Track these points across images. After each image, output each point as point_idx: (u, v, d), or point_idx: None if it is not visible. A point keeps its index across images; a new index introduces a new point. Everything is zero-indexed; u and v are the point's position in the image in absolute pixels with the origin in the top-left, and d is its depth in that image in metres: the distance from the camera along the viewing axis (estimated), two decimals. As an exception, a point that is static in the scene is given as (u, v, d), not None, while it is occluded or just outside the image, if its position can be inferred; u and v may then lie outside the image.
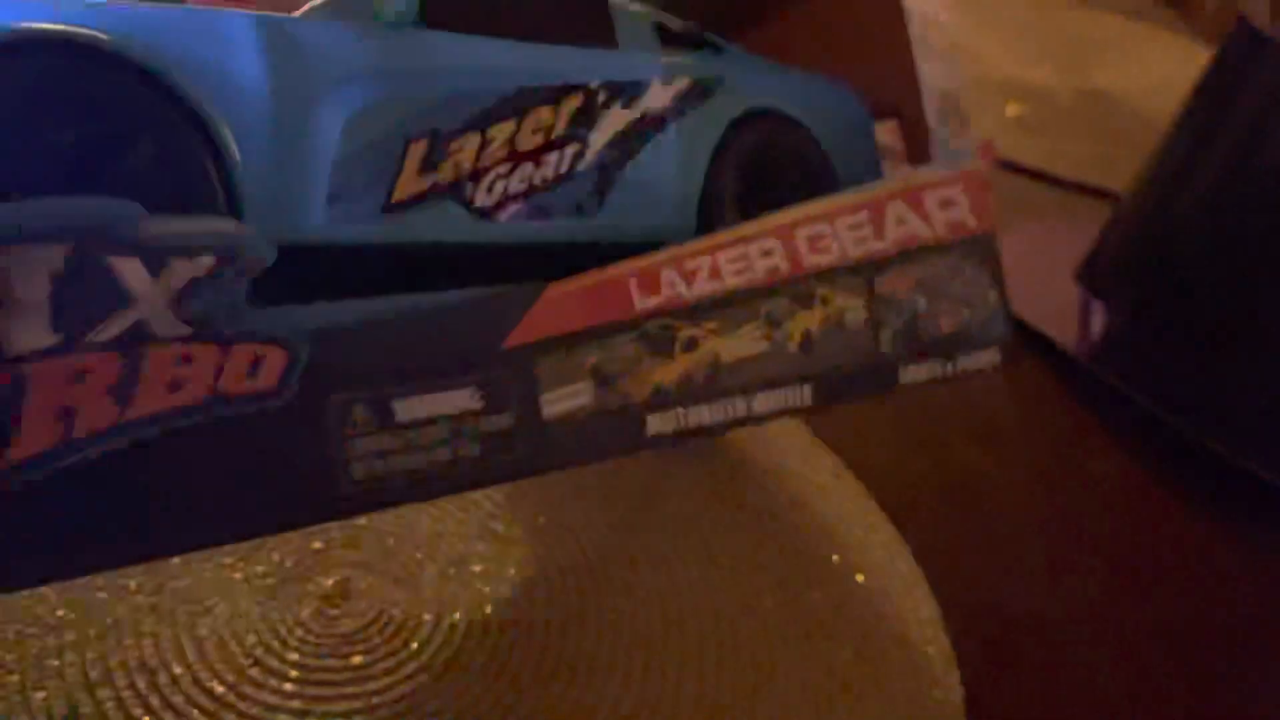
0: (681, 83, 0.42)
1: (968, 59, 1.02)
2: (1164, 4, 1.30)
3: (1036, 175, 0.86)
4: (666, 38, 0.44)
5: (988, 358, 0.45)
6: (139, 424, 0.23)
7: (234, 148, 0.29)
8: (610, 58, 0.41)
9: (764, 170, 0.45)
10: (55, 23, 0.26)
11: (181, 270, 0.24)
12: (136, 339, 0.23)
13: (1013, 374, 0.43)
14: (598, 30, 0.41)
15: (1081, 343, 0.66)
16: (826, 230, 0.41)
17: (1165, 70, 1.07)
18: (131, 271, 0.24)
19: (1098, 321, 0.68)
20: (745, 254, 0.39)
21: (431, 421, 0.29)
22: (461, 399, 0.30)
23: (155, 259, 0.24)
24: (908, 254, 0.43)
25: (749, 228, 0.39)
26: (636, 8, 0.43)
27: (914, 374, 0.44)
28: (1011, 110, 0.95)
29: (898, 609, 0.46)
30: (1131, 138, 0.95)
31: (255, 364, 0.25)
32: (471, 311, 0.31)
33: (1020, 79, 1.01)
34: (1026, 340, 0.51)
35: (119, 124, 0.27)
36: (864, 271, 0.42)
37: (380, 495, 0.28)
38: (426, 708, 0.37)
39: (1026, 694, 0.44)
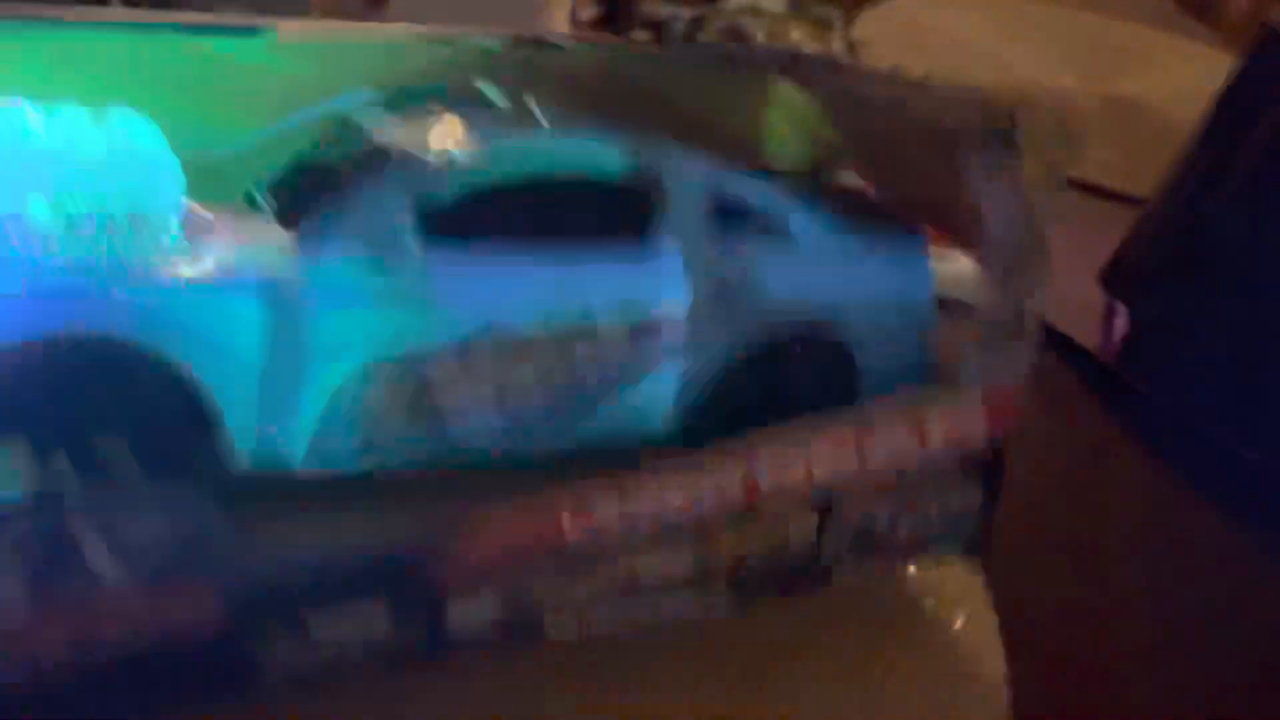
0: (701, 299, 0.40)
1: (995, 65, 1.03)
2: (1188, 13, 1.30)
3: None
4: (722, 215, 0.40)
5: (942, 556, 0.45)
6: (85, 655, 0.30)
7: (225, 423, 0.34)
8: (628, 278, 0.39)
9: (768, 383, 0.42)
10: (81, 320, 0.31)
11: (136, 534, 0.30)
12: (90, 589, 0.30)
13: (1036, 373, 0.43)
14: (629, 243, 0.39)
15: (1105, 345, 0.67)
16: (796, 459, 0.39)
17: (1190, 78, 1.07)
18: (89, 540, 0.30)
19: (1121, 324, 0.68)
20: (696, 482, 0.38)
21: (341, 637, 0.34)
22: (373, 619, 0.34)
23: (113, 529, 0.30)
24: (888, 474, 0.41)
25: (707, 456, 0.38)
26: (696, 176, 0.40)
27: (850, 571, 0.43)
28: (1036, 116, 0.95)
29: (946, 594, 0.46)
30: (1155, 144, 0.95)
31: (194, 605, 0.31)
32: (394, 546, 0.35)
33: (1043, 85, 1.01)
34: (1050, 342, 0.52)
35: (129, 402, 0.32)
36: (828, 494, 0.40)
37: (291, 684, 0.34)
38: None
39: (1054, 689, 0.45)
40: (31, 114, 0.35)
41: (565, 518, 0.36)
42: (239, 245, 0.34)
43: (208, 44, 0.41)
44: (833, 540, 0.41)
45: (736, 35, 0.93)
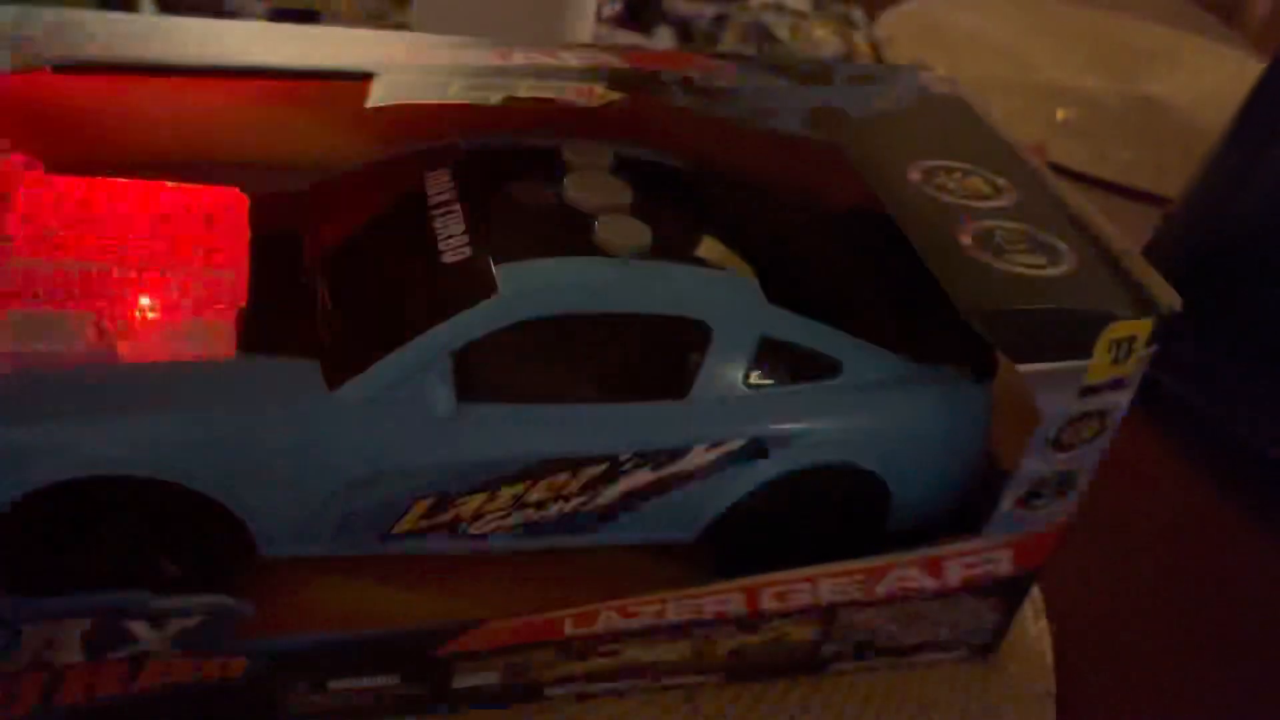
0: (732, 445, 0.39)
1: (1019, 64, 1.02)
2: (1214, 15, 1.29)
3: (1082, 179, 0.86)
4: (776, 361, 0.39)
5: (946, 657, 0.44)
6: (136, 692, 0.35)
7: (255, 530, 0.37)
8: (660, 421, 0.38)
9: (792, 514, 0.42)
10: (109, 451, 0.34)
11: (178, 624, 0.34)
12: (139, 656, 0.34)
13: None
14: (670, 384, 0.39)
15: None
16: (804, 589, 0.40)
17: (1215, 79, 1.07)
18: (139, 626, 0.34)
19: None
20: (698, 604, 0.39)
21: (355, 689, 0.38)
22: (385, 681, 0.38)
23: (158, 620, 0.34)
24: (896, 600, 0.41)
25: (712, 585, 0.39)
26: (746, 317, 0.39)
27: (849, 668, 0.43)
28: (1060, 115, 0.95)
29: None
30: (1180, 144, 0.95)
31: (225, 666, 0.35)
32: (409, 636, 0.37)
33: (1070, 85, 1.01)
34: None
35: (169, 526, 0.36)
36: (831, 610, 0.41)
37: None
38: None
39: (1086, 688, 0.45)
40: None
41: (568, 622, 0.38)
42: (271, 366, 0.36)
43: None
44: (833, 643, 0.42)
45: (760, 33, 0.93)
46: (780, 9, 0.94)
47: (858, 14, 0.98)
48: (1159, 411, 0.62)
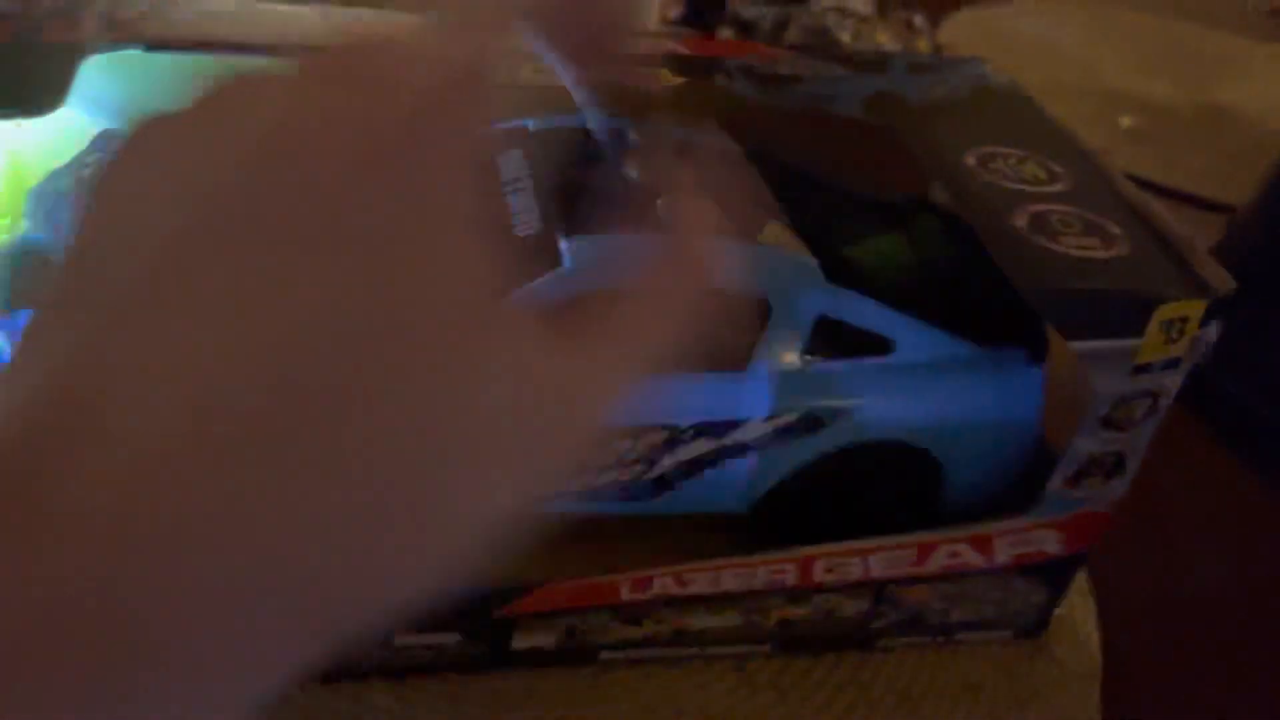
0: (788, 417, 0.41)
1: (1084, 71, 1.02)
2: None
3: (1148, 186, 0.86)
4: (830, 339, 0.40)
5: (992, 636, 0.45)
6: None
7: None
8: (719, 393, 0.40)
9: (846, 483, 0.43)
10: None
11: None
12: None
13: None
14: (730, 356, 0.40)
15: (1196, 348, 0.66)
16: (855, 561, 0.41)
17: (1288, 89, 1.05)
18: None
19: (1213, 329, 0.67)
20: (752, 572, 0.40)
21: (417, 646, 0.39)
22: (445, 638, 0.39)
23: None
24: (945, 577, 0.42)
25: (766, 554, 0.40)
26: (804, 294, 0.40)
27: (899, 643, 0.44)
28: (1125, 122, 0.94)
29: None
30: (1250, 153, 0.94)
31: None
32: (472, 596, 0.38)
33: (1136, 92, 1.00)
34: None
35: None
36: (880, 584, 0.41)
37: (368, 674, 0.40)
38: None
39: (1131, 673, 0.46)
40: None
41: (624, 587, 0.39)
42: None
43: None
44: (882, 618, 0.43)
45: (822, 35, 0.94)
46: (843, 12, 0.95)
47: (920, 19, 0.99)
48: (1211, 406, 0.62)
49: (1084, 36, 1.09)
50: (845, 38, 0.94)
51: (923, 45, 0.96)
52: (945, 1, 1.07)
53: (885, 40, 0.96)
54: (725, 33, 0.90)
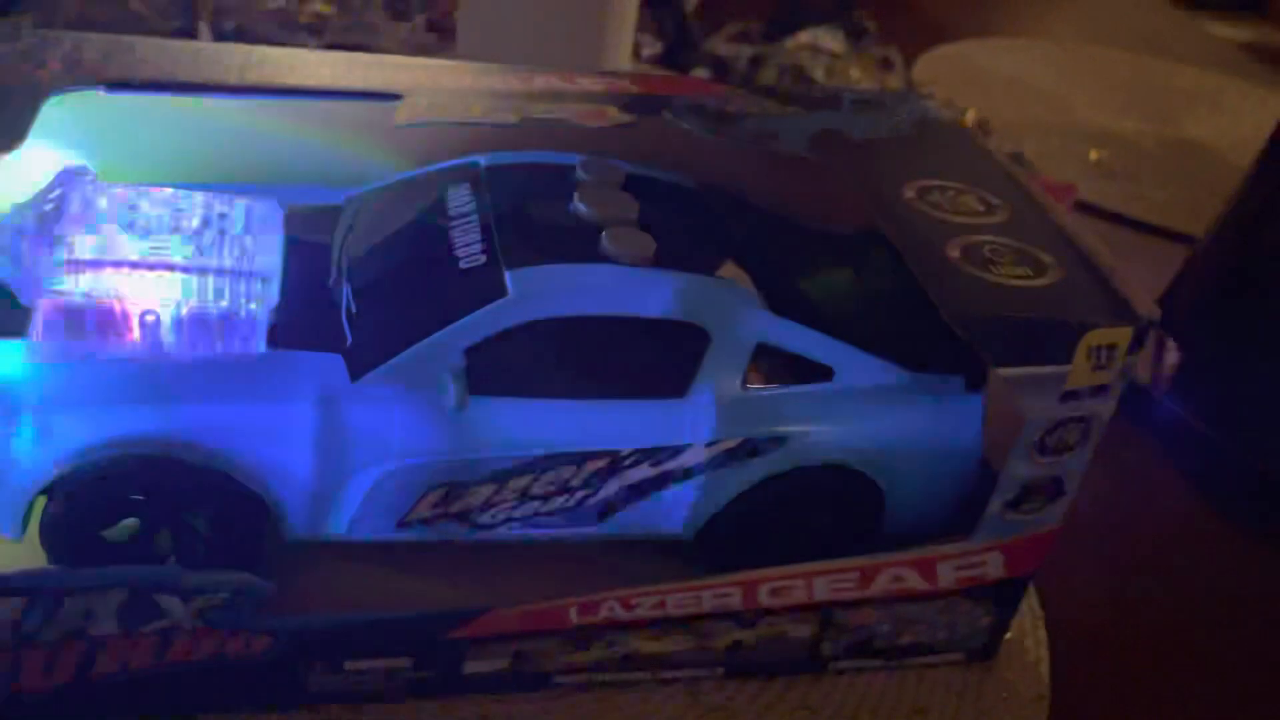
0: (729, 442, 0.41)
1: (1055, 106, 1.04)
2: (1257, 59, 1.29)
3: (1115, 218, 0.87)
4: (773, 365, 0.41)
5: (943, 659, 0.45)
6: (166, 665, 0.38)
7: (278, 512, 0.39)
8: (660, 418, 0.41)
9: (786, 507, 0.43)
10: (150, 434, 0.37)
11: (205, 601, 0.37)
12: (169, 631, 0.37)
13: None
14: (670, 384, 0.41)
15: (1155, 377, 0.67)
16: (799, 584, 0.41)
17: (1256, 122, 1.07)
18: (170, 601, 0.36)
19: (1171, 357, 0.68)
20: (697, 596, 0.41)
21: (370, 671, 0.40)
22: (396, 663, 0.40)
23: (187, 595, 0.36)
24: (890, 600, 0.42)
25: (710, 579, 0.40)
26: (745, 322, 0.41)
27: (848, 667, 0.45)
28: (1094, 155, 0.96)
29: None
30: (1217, 186, 0.95)
31: (248, 644, 0.38)
32: (422, 620, 0.39)
33: (1107, 127, 1.02)
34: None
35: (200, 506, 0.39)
36: (827, 609, 0.42)
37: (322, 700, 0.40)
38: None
39: (1080, 695, 0.46)
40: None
41: (572, 611, 0.40)
42: (299, 358, 0.39)
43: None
44: (831, 642, 0.44)
45: (797, 73, 0.95)
46: (817, 50, 0.97)
47: (895, 54, 1.01)
48: (1165, 433, 0.63)
49: (1056, 73, 1.11)
50: (819, 75, 0.96)
51: (895, 83, 0.98)
52: (919, 38, 1.09)
53: (859, 77, 0.97)
54: (700, 72, 0.92)
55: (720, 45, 0.96)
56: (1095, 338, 0.37)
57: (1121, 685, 0.47)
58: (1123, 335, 0.37)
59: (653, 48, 0.93)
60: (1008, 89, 1.06)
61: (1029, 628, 0.48)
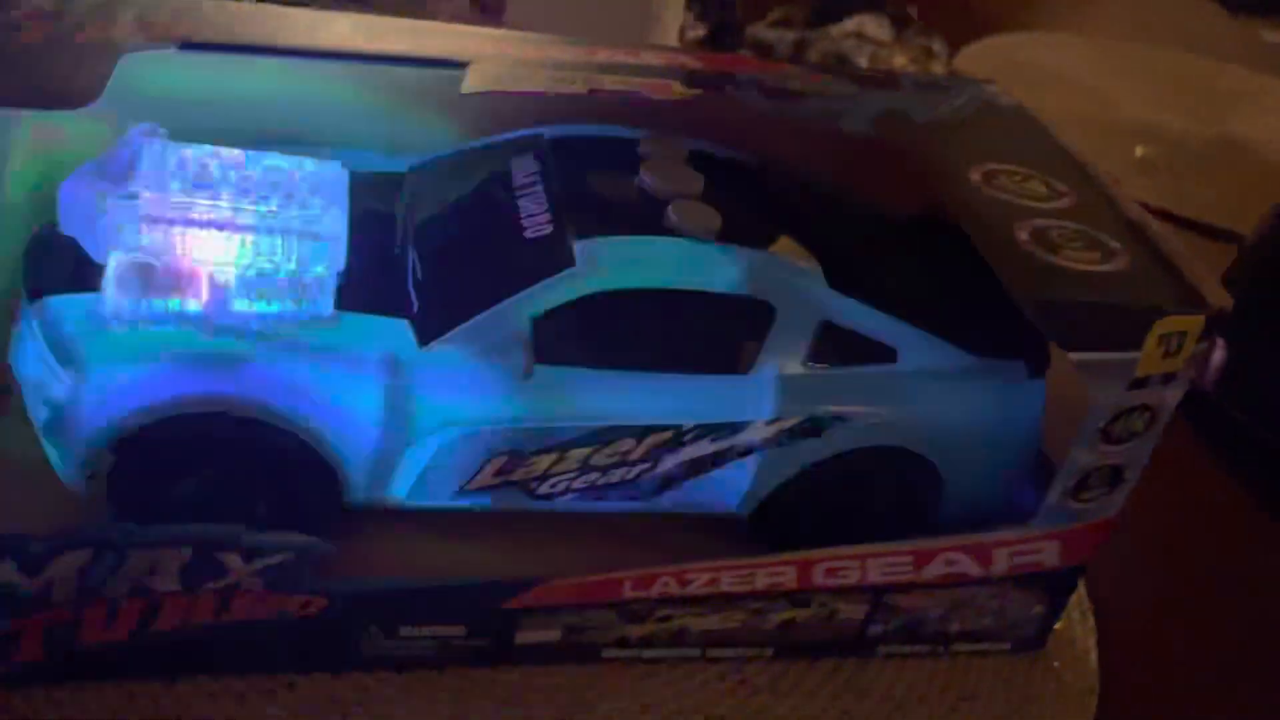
0: (788, 422, 0.41)
1: (1099, 101, 1.03)
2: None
3: (1159, 215, 0.86)
4: (835, 344, 0.41)
5: (990, 647, 0.45)
6: (224, 624, 0.38)
7: (340, 475, 0.40)
8: (723, 395, 0.40)
9: (845, 494, 0.44)
10: (216, 393, 0.37)
11: (267, 561, 0.37)
12: (230, 588, 0.37)
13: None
14: (733, 360, 0.41)
15: (1202, 374, 0.66)
16: (853, 566, 0.41)
17: (1304, 123, 1.06)
18: (233, 559, 0.36)
19: (1219, 354, 0.68)
20: (751, 574, 0.41)
21: (424, 638, 0.40)
22: (450, 630, 0.40)
23: (250, 555, 0.36)
24: (943, 585, 0.42)
25: (765, 557, 0.40)
26: (810, 300, 0.40)
27: (896, 650, 0.44)
28: (1139, 152, 0.95)
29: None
30: (1261, 184, 0.95)
31: (305, 605, 0.38)
32: (479, 588, 0.39)
33: (1151, 123, 1.01)
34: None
35: (264, 460, 0.39)
36: (879, 591, 0.42)
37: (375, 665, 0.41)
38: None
39: (1127, 687, 0.46)
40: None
41: (627, 584, 0.40)
42: (367, 321, 0.39)
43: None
44: (881, 624, 0.44)
45: (840, 61, 0.95)
46: (861, 38, 0.96)
47: (939, 45, 1.00)
48: (1214, 430, 0.62)
49: (1100, 68, 1.10)
50: (863, 63, 0.95)
51: (938, 70, 0.97)
52: (963, 29, 1.08)
53: (904, 65, 0.97)
54: (744, 55, 0.92)
55: (763, 31, 0.96)
56: (1167, 325, 0.37)
57: (1171, 680, 0.47)
58: (1194, 323, 0.37)
59: (696, 30, 0.93)
60: (1051, 83, 1.05)
61: (1078, 620, 0.48)
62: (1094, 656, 0.46)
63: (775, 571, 0.41)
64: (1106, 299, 0.37)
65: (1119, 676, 0.46)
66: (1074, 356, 0.37)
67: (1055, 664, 0.46)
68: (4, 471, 0.39)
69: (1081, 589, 0.48)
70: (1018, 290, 0.37)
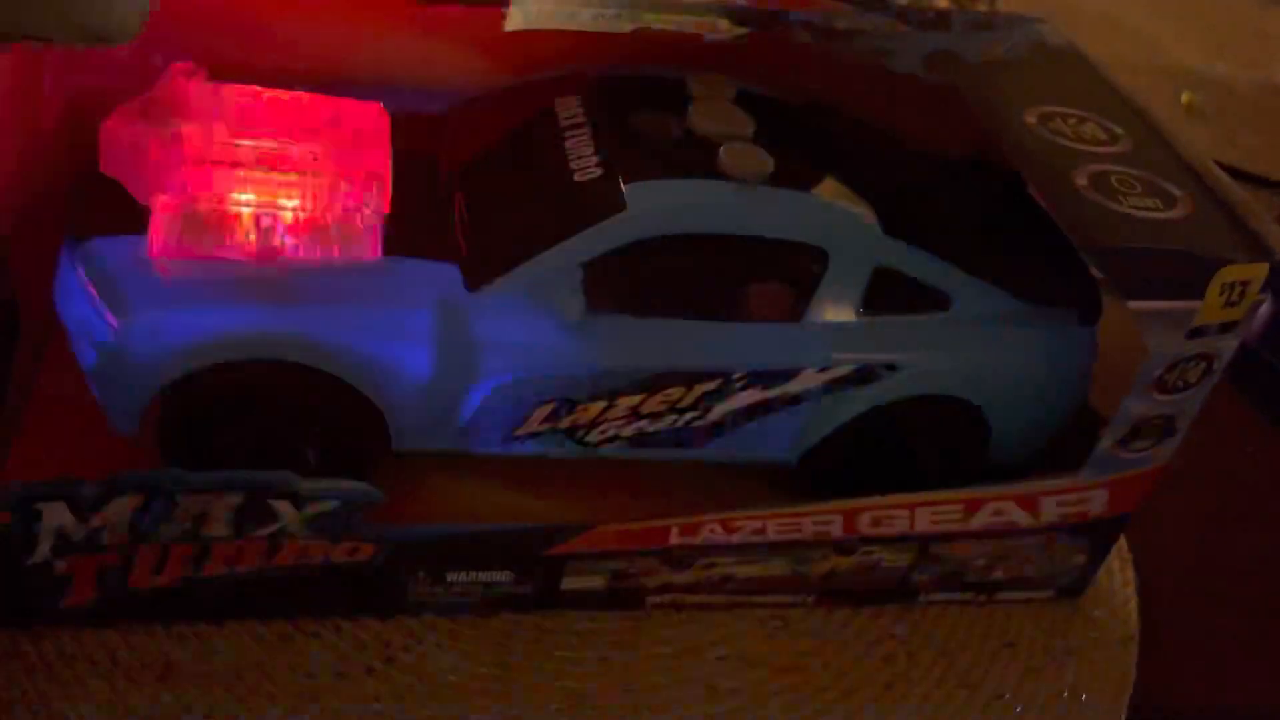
0: (841, 370, 0.41)
1: (1145, 46, 1.00)
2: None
3: (1207, 163, 0.84)
4: (889, 291, 0.40)
5: (1032, 595, 0.45)
6: (273, 569, 0.38)
7: (390, 420, 0.39)
8: (774, 342, 0.40)
9: (893, 442, 0.43)
10: (265, 337, 0.36)
11: (316, 507, 0.36)
12: (278, 535, 0.37)
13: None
14: (785, 307, 0.40)
15: (1247, 328, 0.65)
16: (901, 515, 0.41)
17: (1353, 69, 1.03)
18: (283, 505, 0.36)
19: (1264, 308, 0.67)
20: (798, 522, 0.40)
21: (470, 583, 0.40)
22: (498, 576, 0.40)
23: (300, 502, 0.36)
24: (990, 534, 0.42)
25: (813, 505, 0.40)
26: (864, 247, 0.40)
27: (938, 598, 0.44)
28: (1185, 98, 0.93)
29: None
30: (1310, 132, 0.93)
31: (354, 550, 0.38)
32: (526, 534, 0.39)
33: (1198, 69, 0.98)
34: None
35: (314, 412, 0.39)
36: (925, 540, 0.42)
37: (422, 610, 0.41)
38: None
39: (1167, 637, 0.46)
40: None
41: (674, 531, 0.40)
42: (416, 265, 0.38)
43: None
44: (924, 572, 0.43)
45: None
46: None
47: (982, -15, 0.97)
48: (1257, 383, 0.61)
49: (1146, 11, 1.07)
50: (904, 2, 0.93)
51: (983, 7, 0.95)
52: (1005, -31, 1.06)
53: (946, 3, 0.95)
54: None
55: (802, -30, 0.93)
56: (1230, 273, 0.36)
57: (1210, 630, 0.47)
58: (1259, 272, 0.36)
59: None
60: (1095, 25, 1.02)
61: (1118, 570, 0.47)
62: (1133, 605, 0.46)
63: (822, 519, 0.40)
64: (1170, 246, 0.36)
65: (1159, 628, 0.46)
66: (1133, 305, 0.36)
67: (1095, 614, 0.45)
68: (55, 415, 0.39)
69: (1122, 540, 0.48)
70: (1079, 238, 0.36)
